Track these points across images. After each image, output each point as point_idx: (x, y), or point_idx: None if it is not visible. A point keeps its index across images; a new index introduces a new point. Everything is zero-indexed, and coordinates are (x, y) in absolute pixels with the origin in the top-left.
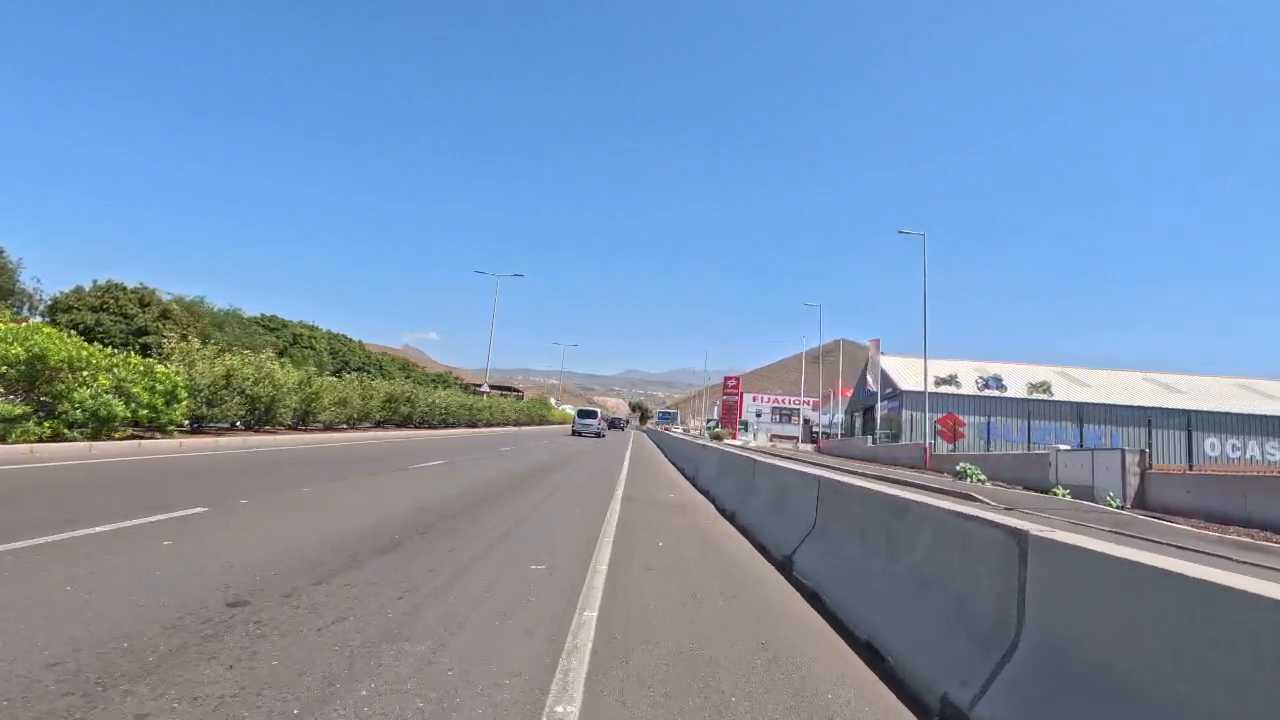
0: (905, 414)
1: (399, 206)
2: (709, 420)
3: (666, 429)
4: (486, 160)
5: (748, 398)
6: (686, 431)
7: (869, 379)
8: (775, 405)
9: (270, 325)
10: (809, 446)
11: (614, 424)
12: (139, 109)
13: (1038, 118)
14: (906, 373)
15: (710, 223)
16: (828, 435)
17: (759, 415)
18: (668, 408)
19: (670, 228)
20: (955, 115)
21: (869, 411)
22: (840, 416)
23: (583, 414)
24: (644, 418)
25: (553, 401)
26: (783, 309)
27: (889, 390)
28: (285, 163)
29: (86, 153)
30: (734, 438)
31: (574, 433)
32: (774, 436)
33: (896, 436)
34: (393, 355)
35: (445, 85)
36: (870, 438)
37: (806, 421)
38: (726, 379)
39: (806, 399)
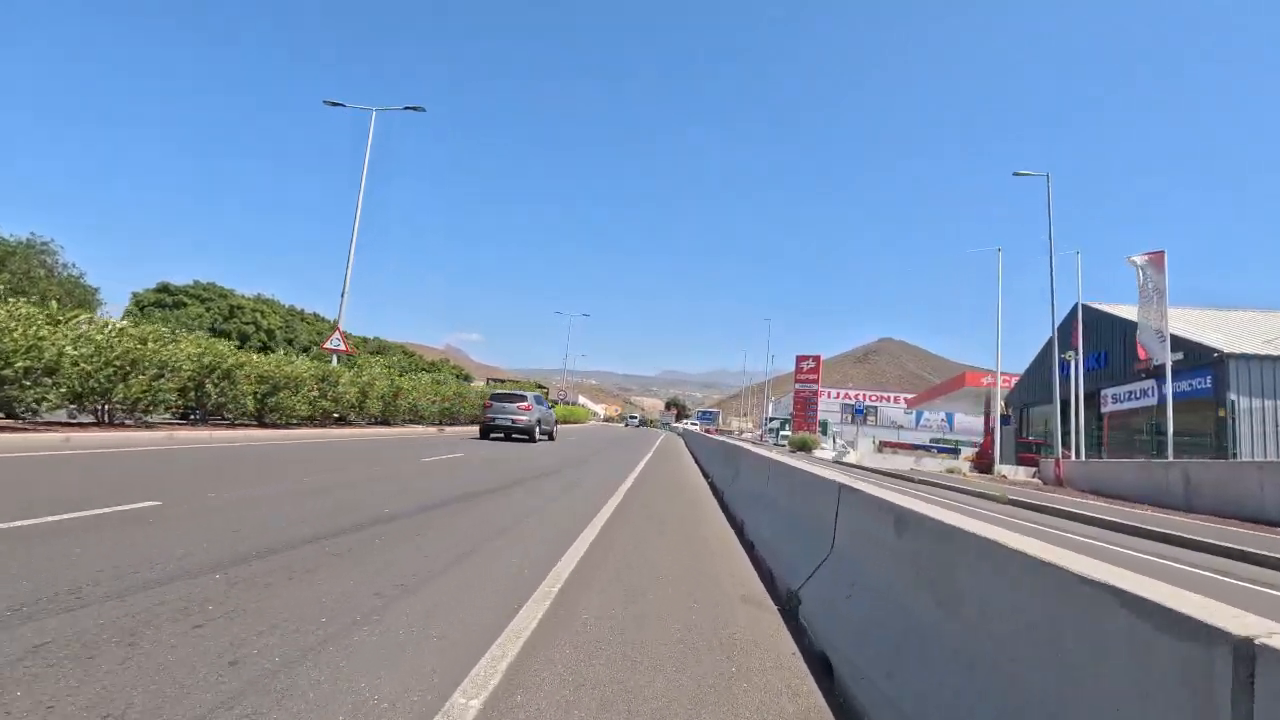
0: (1237, 401)
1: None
2: (770, 419)
3: (710, 431)
4: (528, 162)
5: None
6: (738, 435)
7: (1072, 343)
8: (844, 401)
9: (199, 294)
10: (1010, 470)
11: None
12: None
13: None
14: (1212, 326)
15: (749, 223)
16: (1040, 450)
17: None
18: (708, 407)
19: (710, 228)
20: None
21: (1093, 400)
22: (957, 418)
23: (500, 397)
24: (680, 415)
25: (582, 401)
26: (822, 308)
27: (1181, 357)
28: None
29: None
30: (818, 444)
31: (484, 432)
32: (885, 445)
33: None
34: (411, 350)
35: (469, 82)
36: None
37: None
38: (800, 359)
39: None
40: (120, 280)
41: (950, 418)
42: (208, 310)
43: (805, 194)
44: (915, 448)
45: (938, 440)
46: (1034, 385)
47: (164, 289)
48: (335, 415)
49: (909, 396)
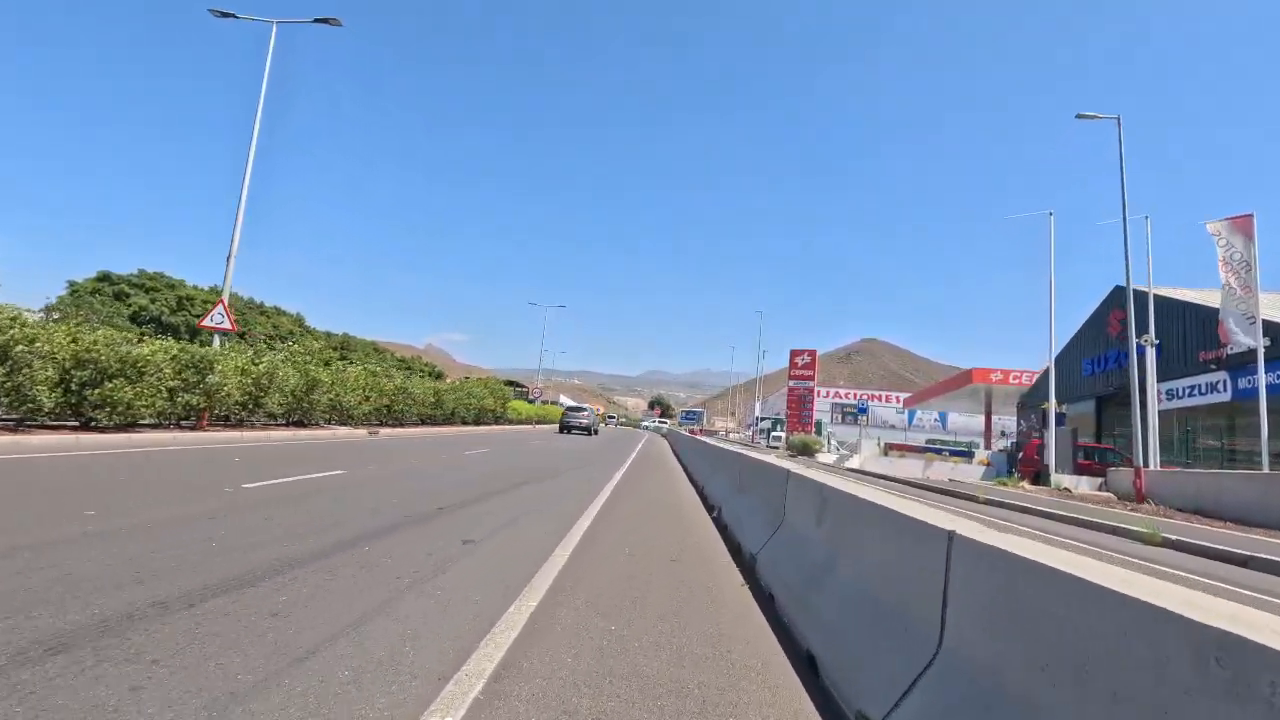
0: None
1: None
2: (760, 419)
3: (695, 432)
4: (510, 158)
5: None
6: (724, 436)
7: (1108, 327)
8: (835, 400)
9: (144, 284)
10: (1070, 480)
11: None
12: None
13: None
14: None
15: (735, 223)
16: (1105, 457)
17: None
18: (691, 407)
19: (696, 228)
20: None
21: (1118, 401)
22: (951, 417)
23: (571, 409)
24: (665, 414)
25: (563, 400)
26: (806, 308)
27: (1269, 344)
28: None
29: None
30: (819, 447)
31: (562, 429)
32: (893, 448)
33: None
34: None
35: (460, 77)
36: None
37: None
38: (794, 354)
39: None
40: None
41: (943, 417)
42: (154, 301)
43: (793, 194)
44: (925, 450)
45: (936, 441)
46: (1059, 382)
47: (104, 278)
48: (220, 414)
49: (906, 395)
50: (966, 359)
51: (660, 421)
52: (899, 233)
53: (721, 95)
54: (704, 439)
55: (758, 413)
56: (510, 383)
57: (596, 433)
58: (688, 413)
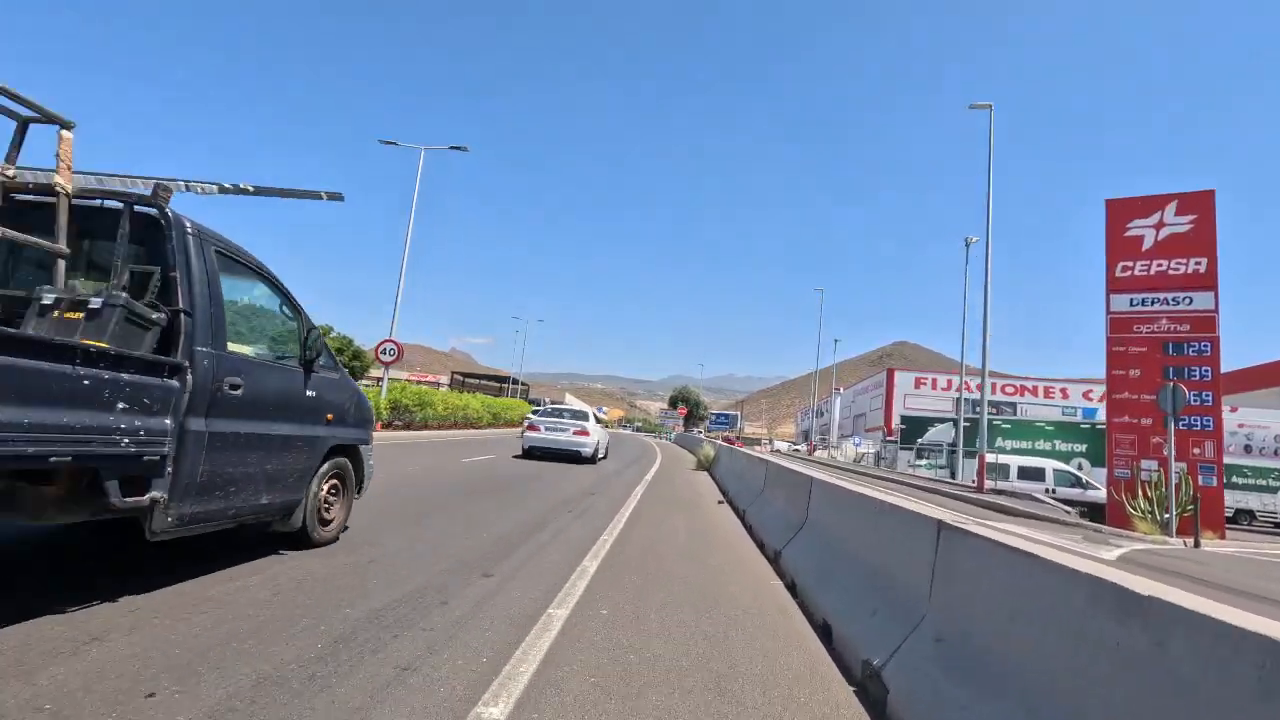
0: None
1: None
2: (866, 423)
3: (731, 440)
4: (535, 160)
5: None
6: (771, 450)
7: None
8: (967, 394)
9: None
10: None
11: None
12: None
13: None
14: None
15: (761, 228)
16: None
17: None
18: (720, 410)
19: (722, 233)
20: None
21: None
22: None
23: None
24: (690, 418)
25: (569, 399)
26: (839, 311)
27: None
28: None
29: None
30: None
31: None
32: None
33: None
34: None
35: (479, 76)
36: None
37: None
38: (1126, 206)
39: None
40: None
41: None
42: None
43: (824, 196)
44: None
45: None
46: None
47: None
48: None
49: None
50: (1005, 364)
51: (620, 422)
52: (930, 232)
53: (728, 87)
54: (780, 462)
55: (836, 412)
56: (501, 378)
57: None
58: (719, 415)
